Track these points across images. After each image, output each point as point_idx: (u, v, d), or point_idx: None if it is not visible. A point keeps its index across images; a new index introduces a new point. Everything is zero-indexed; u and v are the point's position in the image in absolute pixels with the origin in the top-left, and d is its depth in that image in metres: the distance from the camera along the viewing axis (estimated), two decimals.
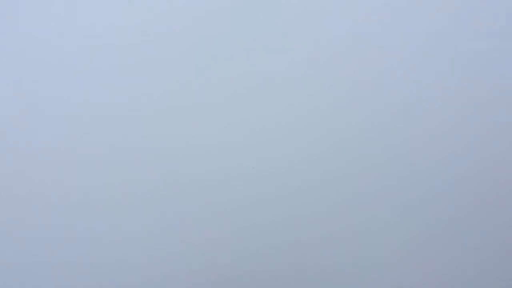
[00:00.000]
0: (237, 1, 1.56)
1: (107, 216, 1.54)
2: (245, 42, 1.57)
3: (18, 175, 1.49)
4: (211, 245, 1.60)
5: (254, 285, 1.63)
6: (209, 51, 1.55)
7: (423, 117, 1.65)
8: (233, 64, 1.57)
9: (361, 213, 1.66)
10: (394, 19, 1.62)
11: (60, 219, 1.52)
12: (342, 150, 1.63)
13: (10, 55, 1.47)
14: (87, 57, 1.50)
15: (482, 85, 1.67)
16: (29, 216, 1.50)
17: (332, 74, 1.61)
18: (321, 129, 1.62)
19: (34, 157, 1.49)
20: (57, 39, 1.49)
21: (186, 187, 1.58)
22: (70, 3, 1.49)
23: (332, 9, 1.60)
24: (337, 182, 1.64)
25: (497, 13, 1.65)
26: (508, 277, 1.71)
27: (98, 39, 1.50)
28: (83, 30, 1.50)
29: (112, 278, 1.55)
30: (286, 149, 1.61)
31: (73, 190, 1.52)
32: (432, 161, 1.66)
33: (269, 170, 1.61)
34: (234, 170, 1.59)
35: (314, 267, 1.64)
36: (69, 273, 1.53)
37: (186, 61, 1.55)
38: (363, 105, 1.63)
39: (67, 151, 1.51)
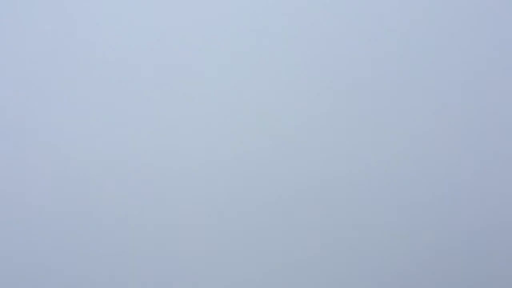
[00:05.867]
0: (237, 4, 1.56)
1: (107, 220, 1.54)
2: (245, 43, 1.57)
3: (16, 178, 1.49)
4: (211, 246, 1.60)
5: (253, 285, 1.63)
6: (209, 52, 1.55)
7: (425, 119, 1.65)
8: (233, 64, 1.57)
9: (360, 215, 1.66)
10: (395, 19, 1.62)
11: (60, 222, 1.52)
12: (341, 152, 1.64)
13: (10, 56, 1.47)
14: (87, 58, 1.51)
15: (484, 86, 1.67)
16: (27, 220, 1.50)
17: (333, 78, 1.61)
18: (321, 131, 1.62)
19: (33, 159, 1.49)
20: (56, 40, 1.49)
21: (186, 190, 1.58)
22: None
23: (334, 10, 1.60)
24: (336, 184, 1.64)
25: (497, 13, 1.66)
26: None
27: (97, 40, 1.51)
28: (83, 31, 1.50)
29: (111, 279, 1.55)
30: (287, 151, 1.61)
31: (72, 194, 1.52)
32: (434, 164, 1.67)
33: (270, 173, 1.61)
34: (232, 171, 1.60)
35: (311, 268, 1.65)
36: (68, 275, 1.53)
37: (185, 61, 1.55)
38: (363, 108, 1.63)
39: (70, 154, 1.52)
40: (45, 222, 1.51)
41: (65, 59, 1.50)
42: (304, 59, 1.60)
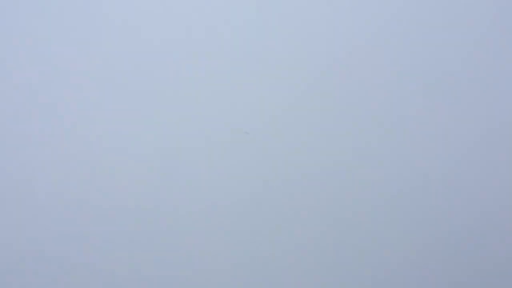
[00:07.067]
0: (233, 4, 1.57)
1: (108, 218, 1.54)
2: (240, 40, 1.57)
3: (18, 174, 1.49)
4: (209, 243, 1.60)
5: (248, 279, 1.63)
6: (204, 50, 1.56)
7: (424, 118, 1.65)
8: (227, 61, 1.58)
9: (359, 209, 1.66)
10: (393, 18, 1.62)
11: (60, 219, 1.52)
12: (338, 146, 1.64)
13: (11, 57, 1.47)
14: (87, 58, 1.51)
15: (485, 84, 1.68)
16: (28, 217, 1.51)
17: (330, 74, 1.62)
18: (318, 127, 1.62)
19: (34, 157, 1.50)
20: (56, 40, 1.49)
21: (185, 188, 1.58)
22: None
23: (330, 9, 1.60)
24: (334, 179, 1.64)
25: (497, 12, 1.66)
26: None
27: (98, 40, 1.51)
28: (83, 31, 1.50)
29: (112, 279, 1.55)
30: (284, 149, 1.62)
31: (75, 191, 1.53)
32: (434, 163, 1.67)
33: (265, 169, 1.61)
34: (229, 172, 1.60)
35: (307, 262, 1.65)
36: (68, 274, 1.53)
37: (182, 58, 1.55)
38: (359, 104, 1.63)
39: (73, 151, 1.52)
40: (50, 218, 1.52)
41: (66, 60, 1.50)
42: (304, 58, 1.61)
